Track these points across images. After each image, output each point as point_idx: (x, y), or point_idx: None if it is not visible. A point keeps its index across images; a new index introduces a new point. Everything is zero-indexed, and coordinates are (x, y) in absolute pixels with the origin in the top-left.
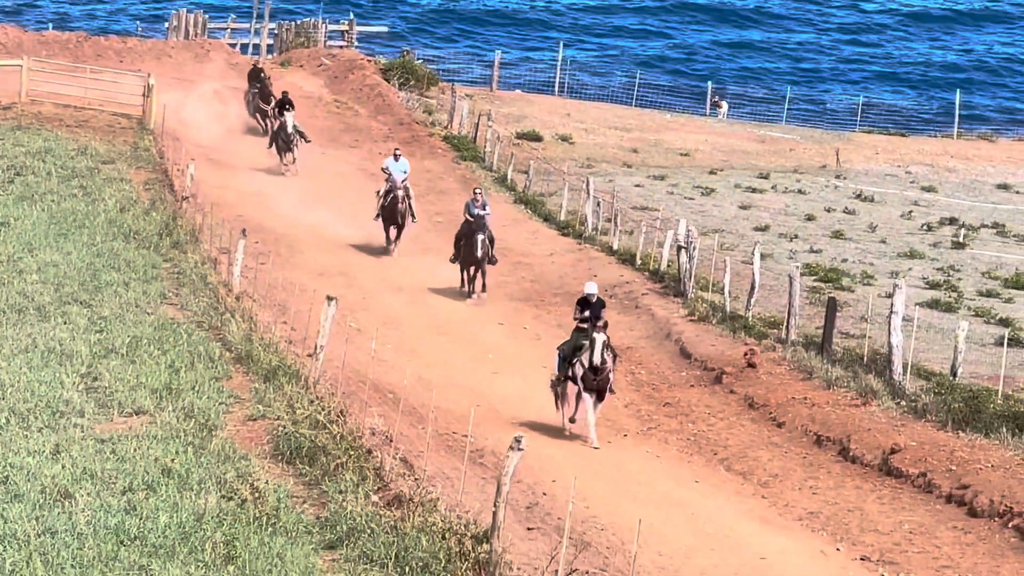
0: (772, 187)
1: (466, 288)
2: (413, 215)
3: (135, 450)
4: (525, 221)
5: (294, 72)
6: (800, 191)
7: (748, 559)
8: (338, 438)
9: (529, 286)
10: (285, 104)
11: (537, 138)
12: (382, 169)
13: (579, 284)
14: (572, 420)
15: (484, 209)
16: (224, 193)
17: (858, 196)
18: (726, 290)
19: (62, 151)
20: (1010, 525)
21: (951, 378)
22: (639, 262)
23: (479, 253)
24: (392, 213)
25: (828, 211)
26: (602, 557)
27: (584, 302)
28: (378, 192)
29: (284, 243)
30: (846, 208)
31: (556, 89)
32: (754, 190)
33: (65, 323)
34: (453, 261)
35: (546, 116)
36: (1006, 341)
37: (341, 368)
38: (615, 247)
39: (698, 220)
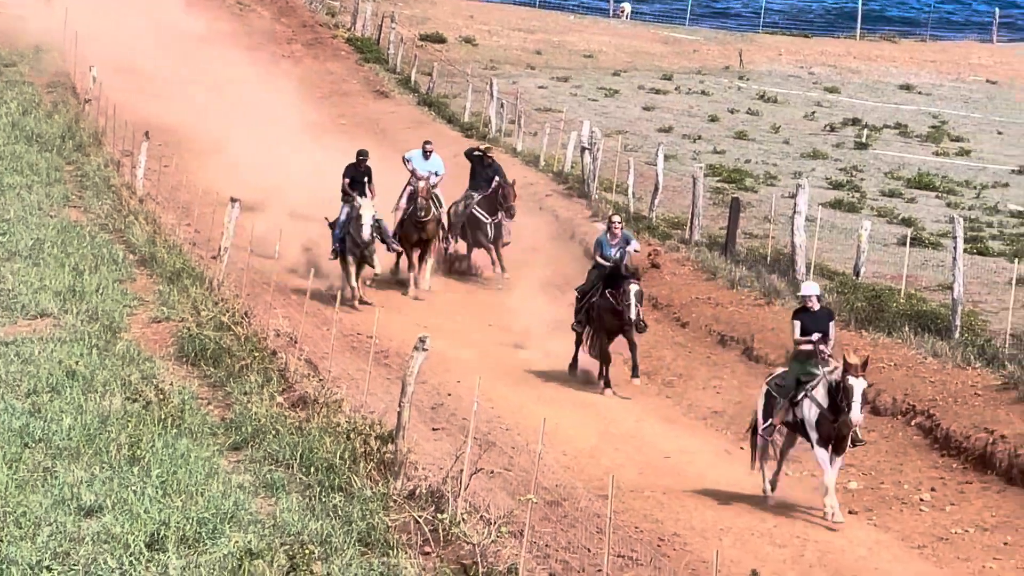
0: (676, 88)
1: (599, 371)
2: (446, 236)
3: (39, 353)
4: (429, 123)
5: None
6: (703, 92)
7: (652, 458)
8: (243, 340)
9: None
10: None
11: (441, 40)
12: (404, 161)
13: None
14: (773, 486)
15: (628, 245)
16: (127, 96)
17: (761, 97)
18: (630, 191)
19: None
20: (913, 423)
21: (854, 277)
22: (543, 164)
23: (632, 315)
24: (412, 230)
25: (731, 112)
26: (507, 456)
27: (803, 312)
28: (397, 202)
29: (188, 145)
30: (749, 109)
31: None
32: (658, 91)
33: None
34: (577, 328)
35: (449, 18)
36: (908, 241)
37: (245, 270)
38: (519, 149)
39: (602, 121)
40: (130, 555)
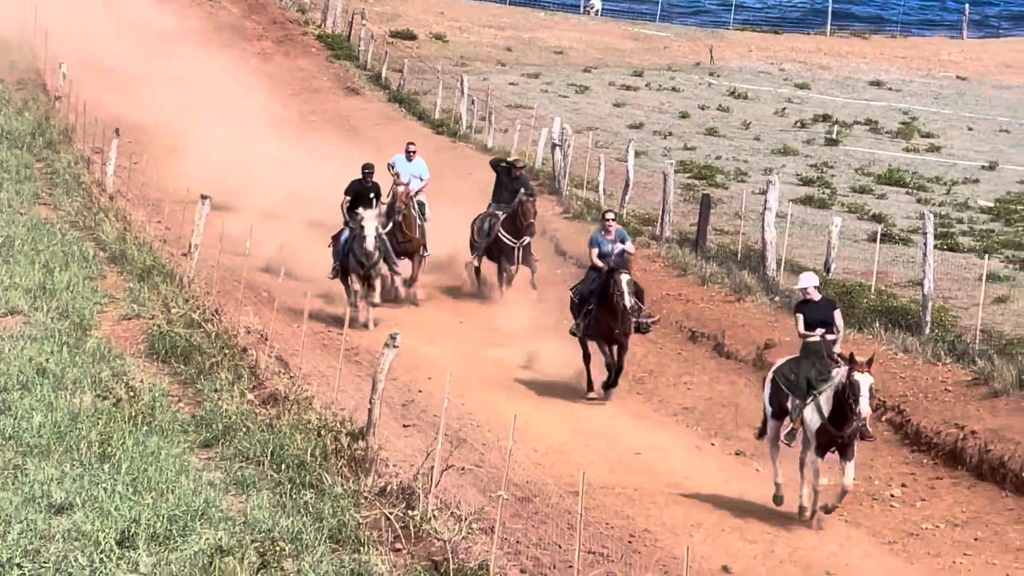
0: (646, 85)
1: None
2: (424, 245)
3: (9, 350)
4: (399, 120)
5: None
6: (674, 89)
7: (623, 454)
8: (213, 337)
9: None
10: (368, 191)
11: (411, 36)
12: (388, 167)
13: (455, 181)
14: (811, 509)
15: (624, 243)
16: (98, 93)
17: (732, 93)
18: (600, 188)
19: None
20: (883, 419)
21: (824, 273)
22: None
23: (626, 301)
24: (397, 236)
25: (702, 108)
26: (478, 453)
27: (804, 304)
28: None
29: (158, 142)
30: (720, 105)
31: None
32: (628, 88)
33: None
34: (576, 333)
35: (420, 14)
36: (879, 237)
37: (216, 267)
38: (489, 145)
39: (572, 118)
40: (100, 552)
